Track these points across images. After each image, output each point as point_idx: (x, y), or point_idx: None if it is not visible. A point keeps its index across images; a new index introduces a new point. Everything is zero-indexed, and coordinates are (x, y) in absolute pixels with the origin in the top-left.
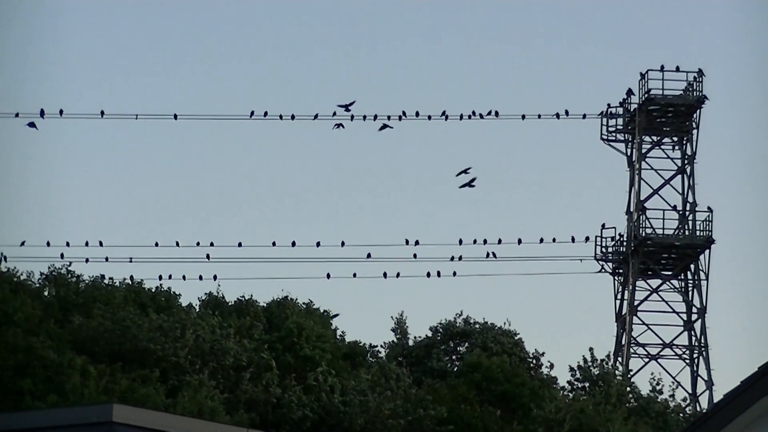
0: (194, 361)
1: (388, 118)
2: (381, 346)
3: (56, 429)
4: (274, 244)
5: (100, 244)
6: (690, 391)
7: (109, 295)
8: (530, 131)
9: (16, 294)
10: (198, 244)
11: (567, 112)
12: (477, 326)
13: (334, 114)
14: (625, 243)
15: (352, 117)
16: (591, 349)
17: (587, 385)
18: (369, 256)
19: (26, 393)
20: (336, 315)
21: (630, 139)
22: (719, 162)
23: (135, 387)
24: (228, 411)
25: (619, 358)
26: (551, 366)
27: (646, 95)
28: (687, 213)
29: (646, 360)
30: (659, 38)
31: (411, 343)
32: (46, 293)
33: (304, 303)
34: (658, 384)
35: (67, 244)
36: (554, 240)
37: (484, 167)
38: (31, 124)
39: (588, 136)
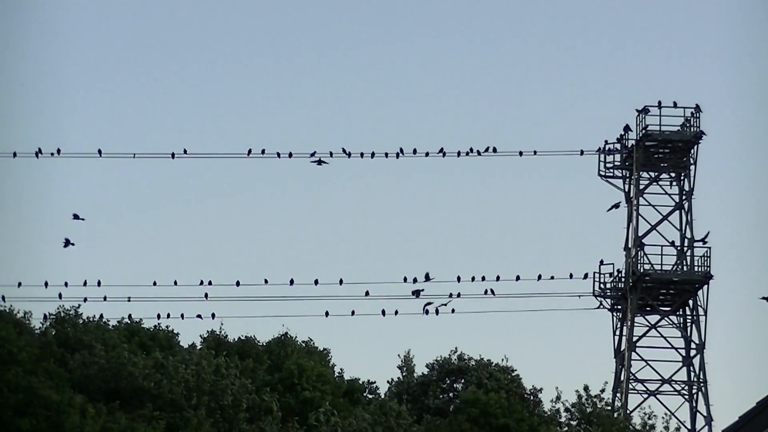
0: (190, 396)
1: (386, 155)
2: (387, 383)
3: None
4: (266, 281)
5: (98, 283)
6: (689, 427)
7: (108, 335)
8: (528, 168)
9: (20, 334)
10: (202, 282)
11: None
12: (472, 363)
13: (331, 154)
14: (623, 279)
15: (349, 154)
16: (586, 387)
17: (583, 422)
18: (367, 293)
19: None
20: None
21: (628, 175)
22: (717, 197)
23: (134, 426)
24: None
25: (618, 394)
26: (557, 398)
27: (643, 131)
28: (685, 249)
29: (645, 396)
30: (657, 74)
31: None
32: (51, 332)
33: (303, 342)
34: (650, 418)
35: (66, 284)
36: (552, 277)
37: (482, 204)
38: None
39: (586, 173)
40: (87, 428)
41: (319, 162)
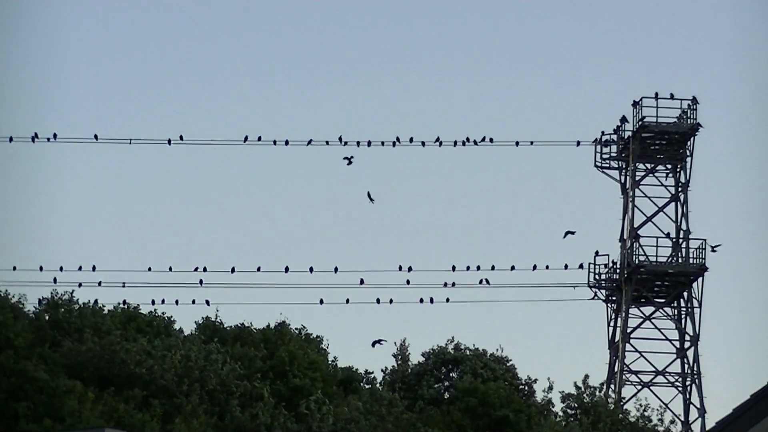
0: (182, 383)
1: (382, 143)
2: (381, 372)
3: None
4: (259, 269)
5: (93, 268)
6: (682, 419)
7: (103, 320)
8: (524, 158)
9: (16, 319)
10: (196, 269)
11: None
12: (468, 352)
13: (327, 143)
14: (618, 270)
15: (345, 143)
16: (586, 377)
17: (579, 412)
18: (362, 282)
19: (21, 416)
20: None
21: (624, 166)
22: (713, 190)
23: (131, 411)
24: None
25: (612, 386)
26: (550, 388)
27: (640, 122)
28: (680, 241)
29: (639, 387)
30: (654, 66)
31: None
32: (46, 317)
33: (296, 329)
34: (645, 410)
35: (61, 269)
36: (548, 267)
37: (478, 194)
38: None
39: (582, 164)
40: (85, 413)
41: (350, 161)
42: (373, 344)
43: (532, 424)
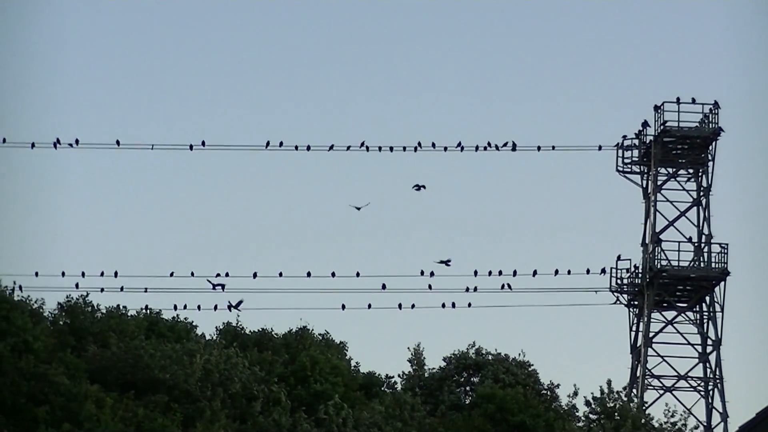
0: (205, 388)
1: (404, 148)
2: (398, 377)
3: None
4: (280, 274)
5: (116, 274)
6: (705, 424)
7: (125, 325)
8: (546, 163)
9: (36, 324)
10: (218, 274)
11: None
12: (489, 357)
13: (348, 148)
14: (640, 275)
15: (367, 148)
16: (609, 381)
17: (603, 417)
18: (384, 287)
19: (41, 421)
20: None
21: (646, 170)
22: (735, 194)
23: (152, 416)
24: None
25: (634, 390)
26: (575, 393)
27: (661, 127)
28: (702, 245)
29: (661, 392)
30: (675, 70)
31: (428, 374)
32: (60, 322)
33: (320, 334)
34: (672, 416)
35: (83, 274)
36: (569, 272)
37: (500, 198)
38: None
39: (604, 168)
40: (104, 418)
41: (419, 188)
42: (233, 306)
43: (555, 429)
